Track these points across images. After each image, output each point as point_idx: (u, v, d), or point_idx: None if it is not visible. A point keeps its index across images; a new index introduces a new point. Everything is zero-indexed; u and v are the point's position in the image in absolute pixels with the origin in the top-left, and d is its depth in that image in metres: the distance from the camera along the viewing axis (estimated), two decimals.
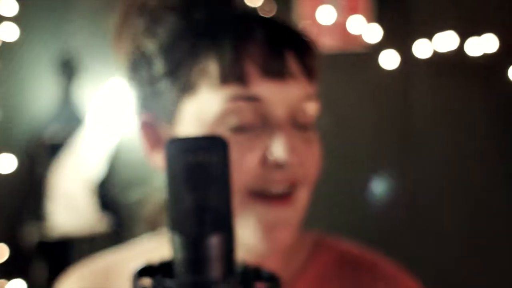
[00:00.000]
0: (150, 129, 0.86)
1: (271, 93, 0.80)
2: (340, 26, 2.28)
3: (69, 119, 2.60)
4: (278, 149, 0.79)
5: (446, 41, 2.39)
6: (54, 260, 2.56)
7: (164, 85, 0.83)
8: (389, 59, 2.39)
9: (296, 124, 0.82)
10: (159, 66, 0.83)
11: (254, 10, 0.89)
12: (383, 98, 2.37)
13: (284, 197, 0.81)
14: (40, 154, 2.57)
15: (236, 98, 0.79)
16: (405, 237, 2.38)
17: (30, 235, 2.53)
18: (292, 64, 0.81)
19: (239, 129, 0.79)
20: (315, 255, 0.89)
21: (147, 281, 0.68)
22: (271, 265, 0.75)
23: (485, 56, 2.39)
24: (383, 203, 2.38)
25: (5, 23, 2.37)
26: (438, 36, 2.38)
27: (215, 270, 0.66)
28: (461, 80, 2.43)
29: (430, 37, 2.40)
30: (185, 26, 0.83)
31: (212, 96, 0.80)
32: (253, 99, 0.79)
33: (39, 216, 2.53)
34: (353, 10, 2.36)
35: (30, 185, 2.51)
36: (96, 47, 2.58)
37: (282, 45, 0.81)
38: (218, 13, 0.84)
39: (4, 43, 2.40)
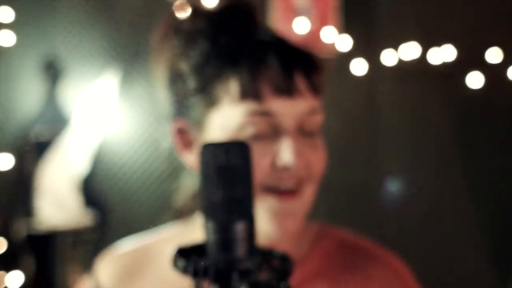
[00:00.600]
0: (183, 134, 1.03)
1: (281, 108, 0.97)
2: (314, 35, 2.43)
3: (55, 119, 2.65)
4: (285, 155, 0.96)
5: (410, 50, 2.52)
6: (42, 252, 2.65)
7: (195, 99, 1.00)
8: (359, 66, 2.52)
9: (303, 132, 0.99)
10: (191, 83, 1.00)
11: (271, 33, 1.05)
12: (353, 100, 2.51)
13: (291, 193, 0.98)
14: (28, 153, 2.64)
15: (252, 113, 0.96)
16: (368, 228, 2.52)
17: (21, 229, 2.61)
18: (300, 83, 0.98)
19: (255, 137, 0.96)
20: (319, 241, 1.07)
21: (184, 260, 0.80)
22: (283, 248, 0.91)
23: (445, 65, 2.51)
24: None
25: (2, 30, 2.49)
26: (403, 46, 2.51)
27: (241, 250, 0.79)
28: (423, 86, 2.56)
29: (395, 47, 2.52)
30: (212, 50, 0.99)
31: (233, 110, 0.96)
32: (266, 113, 0.96)
33: (28, 211, 2.60)
34: (325, 22, 2.50)
35: (20, 182, 2.60)
36: (80, 51, 2.67)
37: (292, 66, 0.98)
38: (239, 39, 1.00)
39: (1, 48, 2.51)
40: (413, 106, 2.58)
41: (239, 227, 0.79)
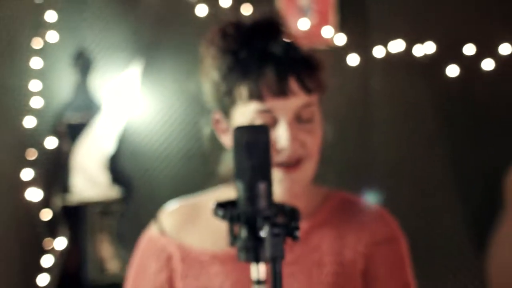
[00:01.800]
0: (219, 123, 1.37)
1: (278, 105, 1.31)
2: (315, 31, 2.71)
3: (86, 105, 2.92)
4: (281, 140, 1.31)
5: (397, 46, 2.77)
6: (75, 221, 2.93)
7: (225, 99, 1.34)
8: (353, 59, 2.79)
9: (300, 120, 1.33)
10: (220, 88, 1.34)
11: (285, 42, 1.35)
12: (348, 89, 2.75)
13: (293, 167, 1.33)
14: (64, 135, 2.91)
15: (257, 111, 1.30)
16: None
17: (59, 201, 2.91)
18: (294, 85, 1.31)
19: None
20: (326, 200, 1.43)
21: (222, 210, 1.09)
22: (296, 204, 1.16)
23: (427, 57, 2.75)
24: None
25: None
26: (391, 43, 2.76)
27: (262, 203, 1.07)
28: (409, 76, 2.82)
29: (385, 44, 2.77)
30: (235, 63, 1.33)
31: (245, 108, 1.31)
32: (267, 111, 1.31)
33: (65, 186, 2.90)
34: (324, 19, 2.78)
35: (58, 161, 2.89)
36: (107, 44, 2.94)
37: (287, 73, 1.31)
38: (250, 56, 1.33)
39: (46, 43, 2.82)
40: (401, 93, 2.83)
41: (261, 187, 1.07)
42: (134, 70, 2.93)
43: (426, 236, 2.77)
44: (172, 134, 2.98)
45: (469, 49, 2.77)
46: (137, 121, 2.97)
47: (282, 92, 1.30)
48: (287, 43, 1.36)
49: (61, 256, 2.86)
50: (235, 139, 1.08)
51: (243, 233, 1.07)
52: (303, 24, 2.73)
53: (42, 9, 2.78)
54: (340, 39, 2.81)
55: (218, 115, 1.39)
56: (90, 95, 2.97)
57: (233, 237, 1.08)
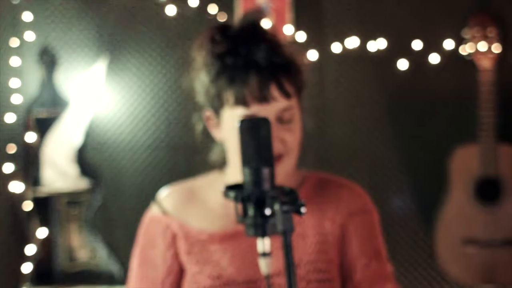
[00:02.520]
0: (210, 119, 1.52)
1: (261, 110, 1.44)
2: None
3: (54, 100, 2.99)
4: None
5: (352, 42, 2.92)
6: (44, 211, 3.02)
7: (214, 101, 1.48)
8: (311, 55, 2.92)
9: (281, 120, 1.46)
10: (210, 90, 1.48)
11: (271, 49, 1.47)
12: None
13: (276, 160, 1.43)
14: (34, 130, 2.99)
15: (242, 115, 1.43)
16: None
17: (30, 192, 3.00)
18: (275, 91, 1.44)
19: None
20: (305, 180, 1.59)
21: (233, 192, 1.21)
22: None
23: (379, 52, 2.91)
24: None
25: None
26: (347, 40, 2.91)
27: (267, 185, 1.21)
28: (363, 70, 2.98)
29: (341, 40, 2.93)
30: (222, 68, 1.46)
31: (232, 112, 1.46)
32: (251, 115, 1.43)
33: (37, 178, 2.99)
34: (282, 18, 2.92)
35: (31, 154, 2.97)
36: (73, 41, 3.02)
37: (268, 82, 1.43)
38: (236, 63, 1.45)
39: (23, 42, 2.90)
40: (354, 85, 2.99)
41: (265, 171, 1.21)
42: (100, 65, 3.02)
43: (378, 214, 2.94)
44: (136, 127, 3.07)
45: (417, 44, 2.95)
46: (103, 114, 3.06)
47: (264, 99, 1.44)
48: (271, 48, 1.47)
49: (41, 245, 2.95)
50: (241, 130, 1.22)
51: (251, 211, 1.20)
52: (265, 24, 2.86)
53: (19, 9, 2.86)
54: (300, 37, 2.95)
55: (209, 113, 1.52)
56: (57, 91, 3.03)
57: (241, 216, 1.21)
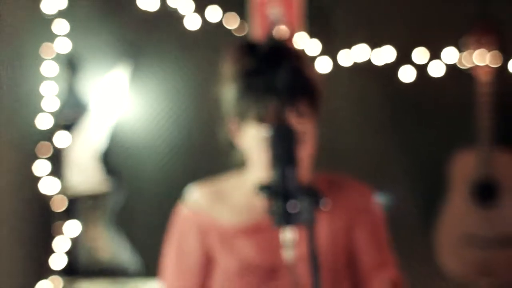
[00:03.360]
0: (233, 128, 1.70)
1: None
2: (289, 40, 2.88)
3: (80, 105, 3.13)
4: None
5: (360, 50, 3.02)
6: (70, 211, 3.13)
7: (238, 114, 1.65)
8: (322, 65, 3.01)
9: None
10: (236, 105, 1.65)
11: (292, 70, 1.62)
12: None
13: None
14: (61, 133, 3.10)
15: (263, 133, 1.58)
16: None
17: (59, 193, 3.11)
18: (291, 113, 1.58)
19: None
20: (316, 182, 1.73)
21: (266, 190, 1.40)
22: None
23: (385, 64, 3.02)
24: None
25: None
26: (355, 48, 3.03)
27: (292, 183, 1.40)
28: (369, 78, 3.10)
29: (350, 47, 3.03)
30: (248, 88, 1.62)
31: (254, 128, 1.62)
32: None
33: (63, 179, 3.11)
34: (294, 29, 2.99)
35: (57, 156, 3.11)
36: (96, 47, 3.15)
37: (287, 105, 1.58)
38: (260, 84, 1.61)
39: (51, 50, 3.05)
40: (362, 94, 3.11)
41: (291, 171, 1.41)
42: (123, 71, 3.13)
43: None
44: (158, 131, 3.20)
45: (420, 54, 3.05)
46: (127, 119, 3.19)
47: (282, 120, 1.60)
48: (292, 72, 1.62)
49: (68, 242, 3.10)
50: (272, 135, 1.43)
51: (279, 205, 1.38)
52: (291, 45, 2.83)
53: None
54: (314, 46, 3.06)
55: (233, 122, 1.68)
56: (83, 96, 3.16)
57: (271, 209, 1.39)
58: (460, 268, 3.08)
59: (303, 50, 1.77)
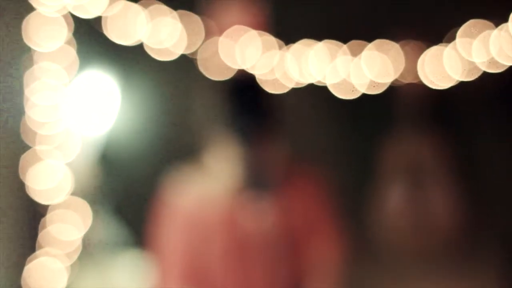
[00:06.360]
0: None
1: None
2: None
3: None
4: None
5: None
6: None
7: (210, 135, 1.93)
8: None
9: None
10: (211, 124, 1.90)
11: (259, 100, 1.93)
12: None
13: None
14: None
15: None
16: None
17: None
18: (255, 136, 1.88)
19: None
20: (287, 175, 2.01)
21: None
22: None
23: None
24: None
25: None
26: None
27: None
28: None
29: None
30: (221, 112, 1.89)
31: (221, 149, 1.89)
32: None
33: None
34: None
35: None
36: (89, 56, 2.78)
37: (253, 129, 1.90)
38: (231, 112, 1.90)
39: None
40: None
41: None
42: (113, 80, 3.06)
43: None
44: (147, 136, 3.25)
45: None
46: (119, 125, 3.12)
47: (247, 142, 1.91)
48: (256, 103, 1.94)
49: None
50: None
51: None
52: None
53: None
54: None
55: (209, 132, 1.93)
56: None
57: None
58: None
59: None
